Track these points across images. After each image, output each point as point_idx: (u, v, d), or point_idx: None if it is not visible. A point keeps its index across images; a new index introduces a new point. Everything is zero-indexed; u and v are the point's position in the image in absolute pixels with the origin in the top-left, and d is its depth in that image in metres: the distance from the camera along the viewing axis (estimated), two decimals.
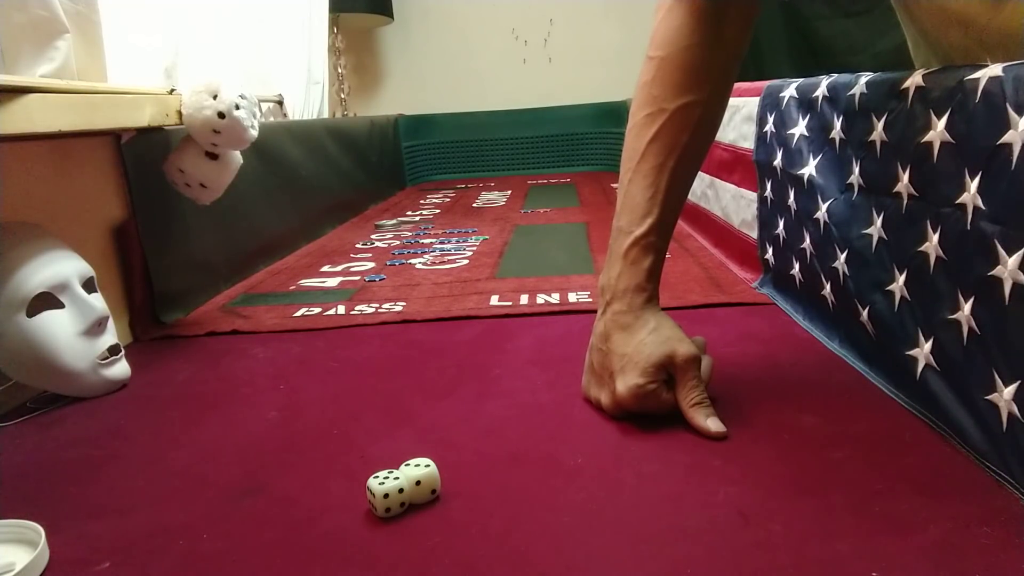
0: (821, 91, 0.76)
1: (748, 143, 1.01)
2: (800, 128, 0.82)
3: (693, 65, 0.62)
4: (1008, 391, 0.47)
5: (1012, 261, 0.46)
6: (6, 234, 0.70)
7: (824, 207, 0.74)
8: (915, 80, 0.56)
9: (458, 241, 1.51)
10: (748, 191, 1.03)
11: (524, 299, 1.02)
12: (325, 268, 1.32)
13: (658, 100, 0.62)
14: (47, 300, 0.70)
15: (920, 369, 0.58)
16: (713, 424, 0.58)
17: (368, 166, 2.22)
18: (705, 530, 0.46)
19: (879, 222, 0.63)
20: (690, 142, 0.62)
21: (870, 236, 0.64)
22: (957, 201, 0.51)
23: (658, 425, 0.60)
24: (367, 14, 2.62)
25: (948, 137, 0.52)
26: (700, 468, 0.53)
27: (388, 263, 1.33)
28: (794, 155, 0.83)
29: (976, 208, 0.49)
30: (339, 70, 2.68)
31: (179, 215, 1.05)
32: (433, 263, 1.31)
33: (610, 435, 0.60)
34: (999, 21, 0.51)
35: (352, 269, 1.30)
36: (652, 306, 0.62)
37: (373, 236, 1.64)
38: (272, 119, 1.78)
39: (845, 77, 0.71)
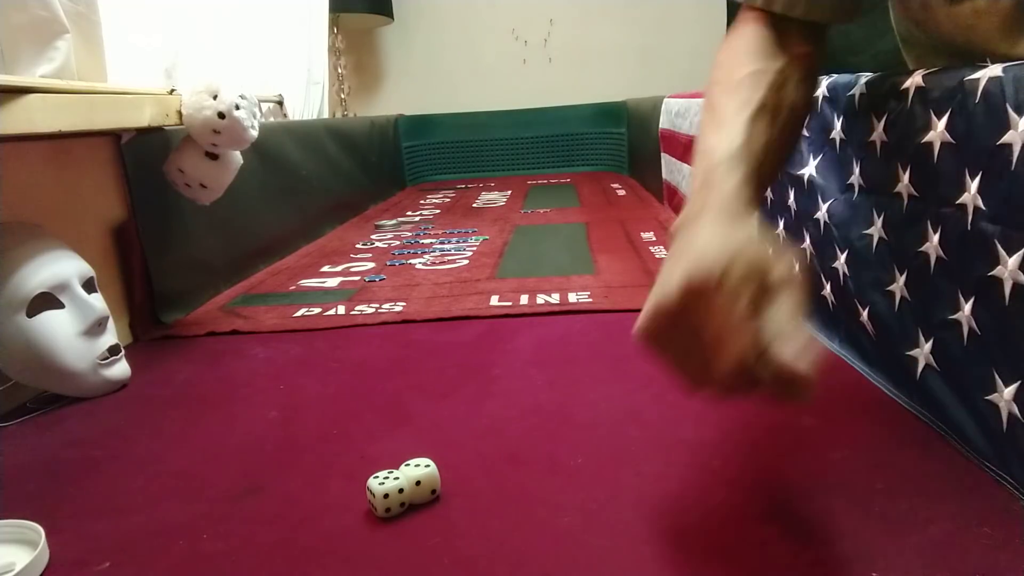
0: (821, 91, 0.76)
1: None
2: None
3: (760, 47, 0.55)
4: (1008, 391, 0.47)
5: (1012, 261, 0.46)
6: (6, 234, 0.70)
7: (824, 207, 0.74)
8: (915, 80, 0.56)
9: (458, 241, 1.51)
10: None
11: (524, 299, 1.02)
12: (325, 268, 1.32)
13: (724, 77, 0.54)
14: (47, 300, 0.70)
15: (920, 369, 0.58)
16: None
17: (368, 166, 2.22)
18: (705, 530, 0.46)
19: (879, 222, 0.63)
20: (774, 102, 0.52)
21: (870, 236, 0.64)
22: (957, 201, 0.51)
23: (659, 425, 0.60)
24: (367, 14, 2.62)
25: (948, 137, 0.52)
26: (700, 468, 0.53)
27: (388, 263, 1.33)
28: (794, 155, 0.83)
29: (976, 208, 0.49)
30: (339, 70, 2.68)
31: (179, 215, 1.05)
32: (433, 263, 1.31)
33: (610, 435, 0.60)
34: (1017, 52, 0.52)
35: (352, 269, 1.30)
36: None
37: (373, 236, 1.64)
38: (272, 119, 1.78)
39: (845, 77, 0.71)
